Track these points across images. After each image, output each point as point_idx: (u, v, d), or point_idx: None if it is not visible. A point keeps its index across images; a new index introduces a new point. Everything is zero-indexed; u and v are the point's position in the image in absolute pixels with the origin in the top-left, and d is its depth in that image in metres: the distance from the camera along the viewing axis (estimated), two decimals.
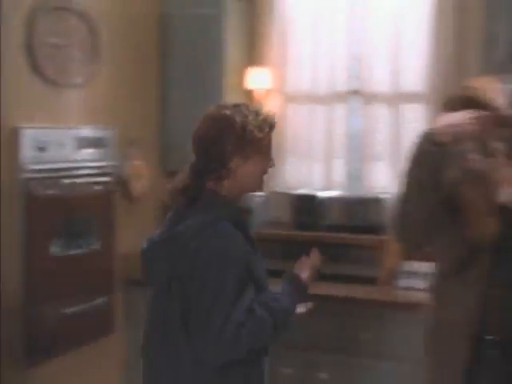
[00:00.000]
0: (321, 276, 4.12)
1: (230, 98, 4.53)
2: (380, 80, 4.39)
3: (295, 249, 4.36)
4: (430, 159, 2.15)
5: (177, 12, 4.59)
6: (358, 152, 4.55)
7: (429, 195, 2.18)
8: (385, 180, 4.34)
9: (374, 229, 4.16)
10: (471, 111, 2.15)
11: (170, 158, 4.68)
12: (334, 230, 4.32)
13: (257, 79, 4.61)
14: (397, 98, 4.36)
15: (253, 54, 4.69)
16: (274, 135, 4.63)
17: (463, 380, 2.16)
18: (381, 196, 4.23)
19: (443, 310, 2.26)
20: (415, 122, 4.19)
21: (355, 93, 4.50)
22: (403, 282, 4.06)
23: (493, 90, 2.25)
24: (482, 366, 2.16)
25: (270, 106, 4.64)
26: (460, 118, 2.14)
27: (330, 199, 4.39)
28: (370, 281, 4.15)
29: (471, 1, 4.13)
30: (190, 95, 4.56)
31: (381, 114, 4.40)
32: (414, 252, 3.79)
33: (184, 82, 4.58)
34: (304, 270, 2.50)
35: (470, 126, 2.12)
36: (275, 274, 4.24)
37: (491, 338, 2.16)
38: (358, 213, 4.29)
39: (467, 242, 2.16)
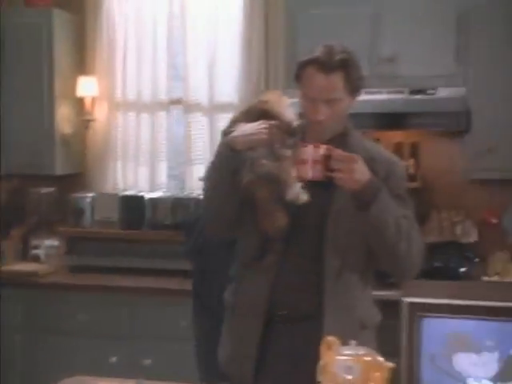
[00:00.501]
0: (147, 271, 4.32)
1: (62, 105, 4.59)
2: (198, 91, 4.56)
3: (122, 246, 4.51)
4: (229, 163, 2.32)
5: (7, 21, 4.52)
6: (180, 156, 4.72)
7: (229, 195, 2.34)
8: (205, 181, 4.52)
9: None
10: (264, 122, 2.31)
11: (4, 163, 4.60)
12: (159, 227, 4.45)
13: (86, 87, 4.65)
14: (213, 108, 4.54)
15: (82, 63, 4.73)
16: (102, 141, 4.73)
17: (256, 352, 2.35)
18: (200, 196, 4.41)
19: (240, 294, 2.43)
20: None
21: (176, 102, 4.66)
22: None
23: (283, 103, 2.45)
24: (271, 338, 2.35)
25: (99, 113, 4.73)
26: (254, 127, 2.31)
27: (155, 199, 4.51)
28: (192, 274, 4.32)
29: (277, 22, 4.37)
30: (23, 102, 4.53)
31: (199, 121, 4.58)
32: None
33: (17, 90, 4.52)
34: None
35: (262, 134, 2.29)
36: (104, 270, 4.38)
37: (280, 313, 2.35)
38: (180, 211, 4.42)
39: (262, 235, 2.34)
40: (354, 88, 2.31)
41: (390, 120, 4.01)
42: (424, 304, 1.88)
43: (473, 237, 4.22)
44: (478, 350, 1.84)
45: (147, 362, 4.07)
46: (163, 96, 4.64)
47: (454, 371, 1.85)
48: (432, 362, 1.86)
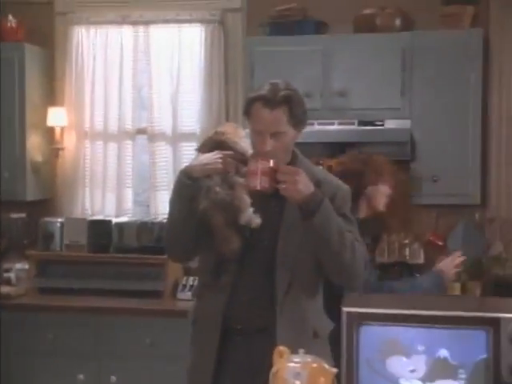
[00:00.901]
0: (114, 292, 4.41)
1: (33, 134, 4.72)
2: (162, 121, 4.73)
3: (90, 269, 4.60)
4: (187, 190, 2.49)
5: None
6: (145, 183, 4.89)
7: (187, 220, 2.50)
8: (168, 207, 4.67)
9: (159, 249, 4.23)
10: (219, 152, 2.49)
11: None
12: (125, 251, 4.55)
13: (56, 117, 4.78)
14: (176, 137, 4.71)
15: (53, 95, 4.87)
16: (71, 168, 4.80)
17: (214, 363, 2.49)
18: (164, 220, 4.53)
19: (201, 310, 2.61)
20: (191, 157, 4.55)
21: (141, 132, 4.82)
22: (183, 294, 4.41)
23: (238, 134, 2.61)
24: (229, 350, 2.50)
25: (68, 142, 4.85)
26: (210, 157, 2.48)
27: (121, 224, 4.62)
28: (156, 294, 4.45)
29: (235, 57, 4.61)
30: None
31: (163, 149, 4.74)
32: (182, 264, 4.17)
33: None
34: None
35: (217, 164, 2.46)
36: (72, 292, 4.45)
37: (235, 327, 2.51)
38: (145, 235, 4.55)
39: (218, 257, 2.50)
40: (297, 121, 2.47)
41: (342, 149, 4.19)
42: (361, 313, 2.04)
43: (420, 258, 4.43)
44: (408, 354, 2.02)
45: (113, 378, 4.18)
46: (129, 126, 4.80)
47: (388, 373, 2.01)
48: (368, 366, 2.03)
